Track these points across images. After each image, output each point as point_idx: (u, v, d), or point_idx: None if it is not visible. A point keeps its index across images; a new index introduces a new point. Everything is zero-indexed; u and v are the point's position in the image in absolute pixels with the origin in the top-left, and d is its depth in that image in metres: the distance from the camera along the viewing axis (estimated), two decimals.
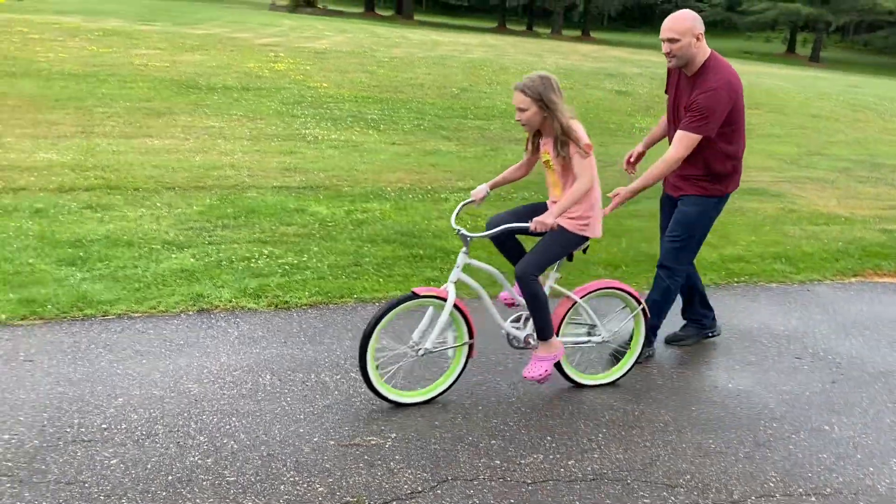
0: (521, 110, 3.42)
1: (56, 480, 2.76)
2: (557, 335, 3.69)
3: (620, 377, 3.98)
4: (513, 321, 3.77)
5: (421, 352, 3.49)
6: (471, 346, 3.61)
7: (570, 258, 3.71)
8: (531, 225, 3.39)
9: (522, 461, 3.16)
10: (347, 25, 35.00)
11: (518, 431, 3.41)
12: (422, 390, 3.59)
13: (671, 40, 3.86)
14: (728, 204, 4.36)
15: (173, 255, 5.30)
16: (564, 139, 3.40)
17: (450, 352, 3.64)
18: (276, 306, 4.64)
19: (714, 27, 58.93)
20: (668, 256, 4.21)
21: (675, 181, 4.22)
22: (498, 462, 3.14)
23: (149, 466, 2.90)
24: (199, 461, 2.96)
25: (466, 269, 3.54)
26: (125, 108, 11.06)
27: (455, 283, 3.50)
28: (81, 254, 5.18)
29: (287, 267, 5.28)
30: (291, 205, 6.90)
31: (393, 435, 3.28)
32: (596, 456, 3.26)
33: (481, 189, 3.68)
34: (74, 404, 3.30)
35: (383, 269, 5.48)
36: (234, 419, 3.29)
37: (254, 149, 9.29)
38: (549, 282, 3.73)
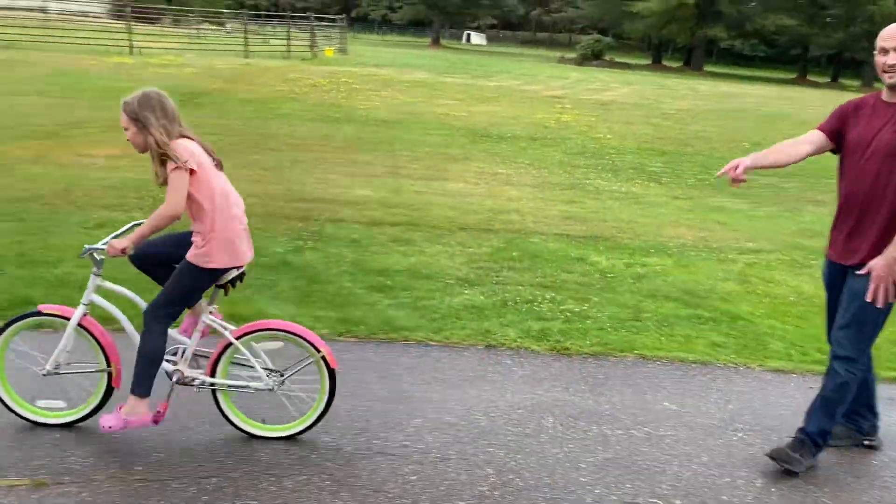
0: (125, 130, 3.16)
1: (365, 486, 3.10)
2: (213, 375, 3.35)
3: (301, 431, 3.44)
4: (169, 355, 3.35)
5: (42, 372, 3.28)
6: (110, 374, 3.32)
7: (225, 292, 3.37)
8: (106, 247, 3.11)
9: None
10: (634, 77, 35.03)
11: None
12: (61, 413, 3.40)
13: None
14: None
15: (465, 291, 5.68)
16: (163, 159, 3.06)
17: (94, 376, 3.37)
18: (558, 351, 4.75)
19: None
20: (846, 343, 3.32)
21: (851, 243, 3.32)
22: None
23: (442, 488, 3.14)
24: (487, 492, 3.13)
25: (103, 292, 3.30)
26: (426, 153, 12.16)
27: (88, 304, 3.28)
28: (388, 282, 5.76)
29: (568, 314, 5.39)
30: (572, 253, 7.04)
31: (678, 502, 3.18)
32: None
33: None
34: (381, 419, 3.68)
35: (664, 326, 5.35)
36: (519, 456, 3.42)
37: (538, 196, 9.65)
38: (204, 317, 3.35)
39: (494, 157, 12.17)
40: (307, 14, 31.12)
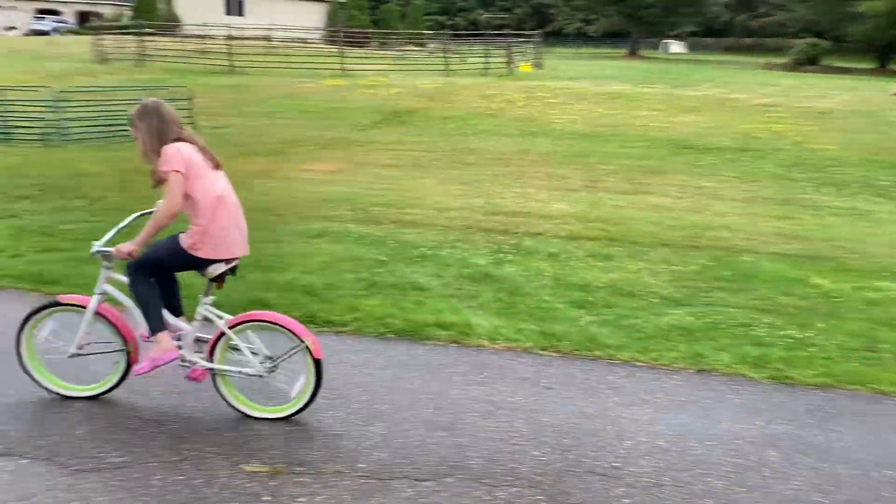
0: (135, 139, 3.49)
1: None
2: (211, 360, 3.65)
3: (294, 413, 3.66)
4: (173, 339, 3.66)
5: (68, 354, 3.69)
6: (129, 353, 3.70)
7: (218, 285, 3.65)
8: (113, 251, 3.47)
9: None
10: (857, 83, 31.94)
11: None
12: (85, 386, 3.82)
13: None
14: None
15: (671, 311, 5.46)
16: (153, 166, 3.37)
17: (114, 356, 3.75)
18: (779, 380, 4.41)
19: None
20: None
21: None
22: None
23: None
24: None
25: (113, 282, 3.70)
26: (624, 166, 11.88)
27: (102, 293, 3.68)
28: (589, 298, 5.68)
29: (789, 340, 4.99)
30: (790, 274, 6.52)
31: None
32: None
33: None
34: (589, 437, 3.62)
35: None
36: (741, 490, 3.22)
37: (748, 211, 9.07)
38: (201, 308, 3.67)
39: (698, 170, 11.63)
40: (504, 31, 31.72)
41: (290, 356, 3.64)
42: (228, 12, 47.63)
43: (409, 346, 4.71)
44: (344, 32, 31.78)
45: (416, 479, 3.19)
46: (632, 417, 3.84)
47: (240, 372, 3.68)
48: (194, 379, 3.67)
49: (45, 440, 3.40)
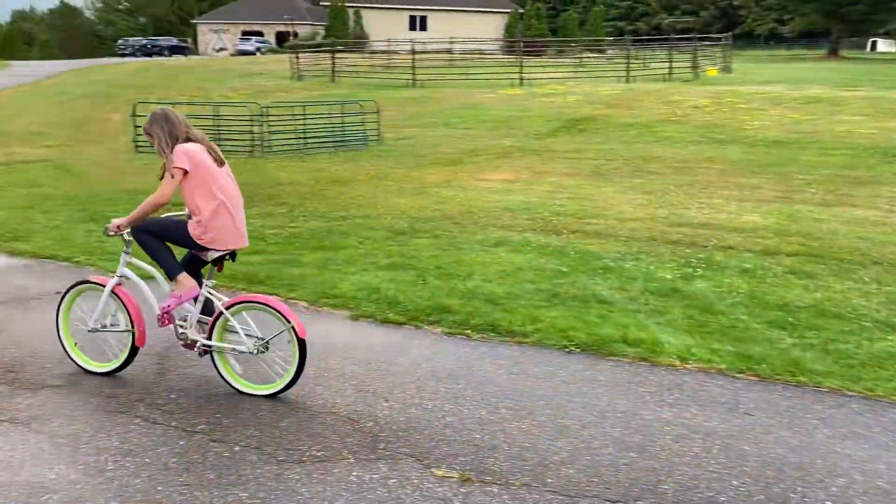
0: (151, 143, 4.05)
1: None
2: (210, 339, 4.01)
3: (280, 391, 3.98)
4: (179, 320, 4.08)
5: (87, 329, 4.24)
6: (134, 335, 4.10)
7: (219, 268, 4.07)
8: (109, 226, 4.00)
9: None
10: None
11: None
12: (102, 363, 4.29)
13: None
14: None
15: (888, 337, 4.92)
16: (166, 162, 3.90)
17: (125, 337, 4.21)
18: None
19: None
20: None
21: None
22: None
23: None
24: None
25: (132, 267, 4.18)
26: (825, 176, 10.94)
27: (120, 276, 4.17)
28: (790, 319, 5.26)
29: None
30: None
31: None
32: None
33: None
34: (795, 471, 3.34)
35: None
36: None
37: None
38: (203, 290, 4.06)
39: None
40: (690, 35, 30.42)
41: (278, 336, 3.94)
42: (412, 28, 49.63)
43: (593, 360, 4.60)
44: (523, 42, 31.99)
45: (606, 500, 3.09)
46: (845, 452, 3.49)
47: (233, 349, 4.02)
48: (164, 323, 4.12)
49: (255, 430, 3.67)
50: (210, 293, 4.09)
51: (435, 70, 28.63)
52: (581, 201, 9.53)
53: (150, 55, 51.79)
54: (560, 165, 12.46)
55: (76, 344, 4.40)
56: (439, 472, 3.28)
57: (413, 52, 27.80)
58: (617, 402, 4.01)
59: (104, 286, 4.21)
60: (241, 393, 4.05)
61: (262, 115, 14.90)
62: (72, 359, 4.38)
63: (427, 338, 4.99)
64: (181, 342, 4.14)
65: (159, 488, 3.16)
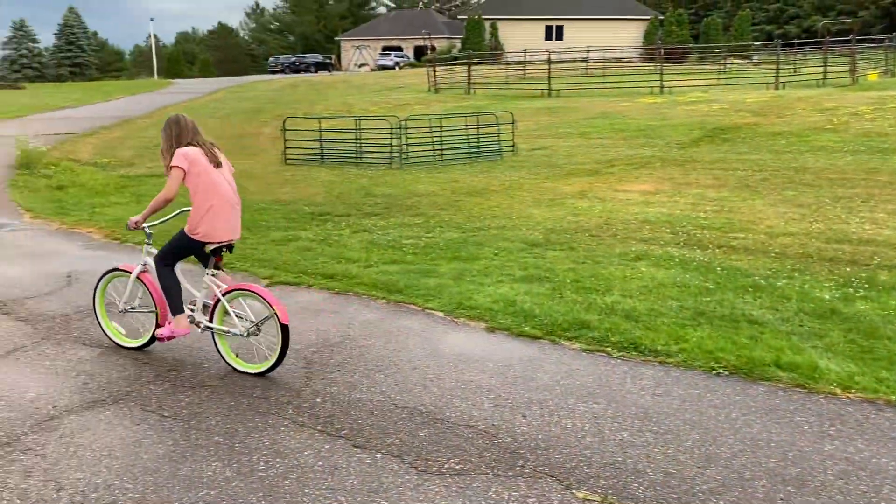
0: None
1: None
2: (211, 321, 4.60)
3: (266, 371, 4.46)
4: (189, 304, 4.72)
5: (118, 310, 4.92)
6: (157, 315, 4.72)
7: (218, 259, 4.63)
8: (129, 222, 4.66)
9: None
10: None
11: None
12: (133, 340, 4.97)
13: None
14: None
15: None
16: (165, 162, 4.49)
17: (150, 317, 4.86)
18: None
19: None
20: None
21: None
22: None
23: None
24: None
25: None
26: None
27: (143, 264, 4.79)
28: None
29: None
30: None
31: None
32: None
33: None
34: None
35: None
36: None
37: None
38: (206, 278, 4.64)
39: None
40: (848, 38, 28.37)
41: (265, 322, 4.43)
42: (548, 37, 49.44)
43: (744, 384, 4.34)
44: (663, 49, 31.04)
45: None
46: None
47: (228, 331, 4.56)
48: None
49: (395, 438, 3.73)
50: (211, 281, 4.63)
51: (570, 79, 28.34)
52: (727, 214, 9.08)
53: (297, 72, 54.66)
54: (703, 177, 11.93)
55: (111, 323, 5.12)
56: (580, 495, 3.19)
57: (549, 61, 27.65)
58: (771, 430, 3.76)
59: (131, 273, 4.89)
60: (235, 370, 4.58)
61: (400, 128, 15.30)
62: (107, 335, 5.08)
63: (564, 353, 4.90)
64: (189, 321, 4.70)
65: (306, 490, 3.27)
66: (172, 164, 4.39)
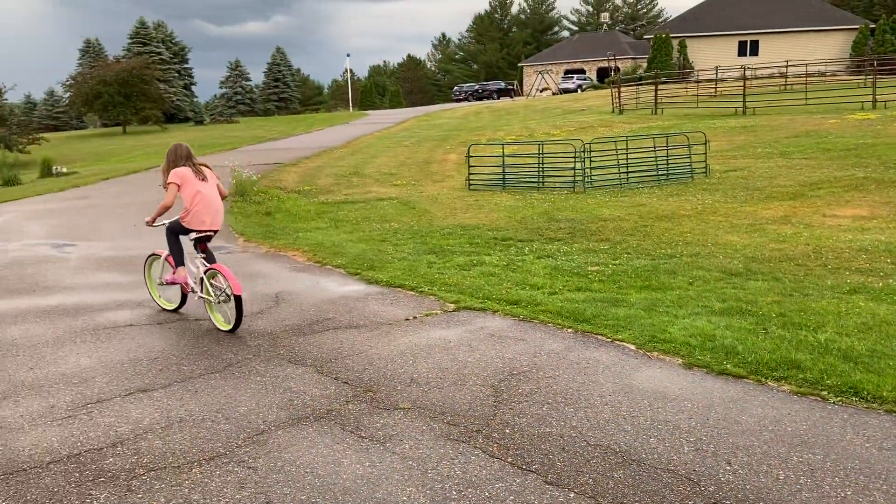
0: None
1: None
2: (202, 292, 6.44)
3: (232, 329, 6.14)
4: (193, 282, 6.63)
5: (158, 283, 7.09)
6: (182, 287, 6.74)
7: (202, 247, 6.57)
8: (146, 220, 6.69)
9: None
10: None
11: None
12: (169, 304, 7.04)
13: None
14: None
15: None
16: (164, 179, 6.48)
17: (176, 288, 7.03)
18: None
19: None
20: None
21: None
22: None
23: None
24: None
25: None
26: None
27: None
28: None
29: None
30: None
31: None
32: None
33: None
34: None
35: None
36: None
37: None
38: (194, 258, 6.58)
39: None
40: None
41: (226, 292, 6.13)
42: (741, 53, 46.87)
43: None
44: (876, 60, 28.28)
45: None
46: None
47: (208, 299, 6.33)
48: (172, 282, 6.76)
49: (588, 477, 3.59)
50: (200, 262, 6.48)
51: (767, 96, 26.58)
52: None
53: (480, 99, 56.04)
54: None
55: (156, 291, 7.15)
56: None
57: (743, 77, 26.14)
58: None
59: (161, 255, 6.91)
60: (217, 329, 6.23)
61: (584, 151, 15.10)
62: (155, 301, 7.08)
63: (772, 395, 4.50)
64: (191, 292, 6.57)
65: None
66: (169, 181, 6.33)
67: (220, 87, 72.95)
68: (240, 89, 71.36)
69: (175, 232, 6.60)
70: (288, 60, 75.63)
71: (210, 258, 6.59)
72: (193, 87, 66.38)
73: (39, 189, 19.02)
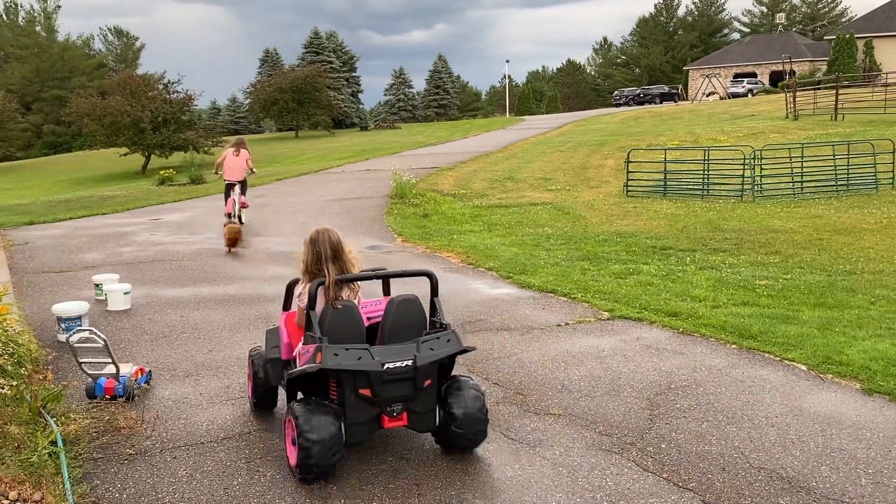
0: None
1: None
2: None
3: None
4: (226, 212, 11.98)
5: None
6: None
7: (234, 191, 11.41)
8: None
9: None
10: None
11: None
12: None
13: None
14: None
15: None
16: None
17: None
18: None
19: None
20: None
21: None
22: None
23: None
24: None
25: None
26: None
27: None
28: None
29: None
30: None
31: None
32: None
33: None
34: None
35: None
36: None
37: None
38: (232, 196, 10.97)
39: None
40: None
41: None
42: None
43: None
44: None
45: None
46: None
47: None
48: None
49: (750, 501, 3.38)
50: (236, 196, 11.13)
51: None
52: None
53: (642, 103, 54.44)
54: None
55: None
56: None
57: None
58: None
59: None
60: None
61: (754, 158, 14.26)
62: None
63: None
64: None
65: None
66: (219, 160, 11.60)
67: (385, 94, 75.96)
68: (402, 96, 73.86)
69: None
70: (449, 67, 77.35)
71: (238, 194, 11.70)
72: (360, 95, 69.54)
73: (221, 188, 20.68)
